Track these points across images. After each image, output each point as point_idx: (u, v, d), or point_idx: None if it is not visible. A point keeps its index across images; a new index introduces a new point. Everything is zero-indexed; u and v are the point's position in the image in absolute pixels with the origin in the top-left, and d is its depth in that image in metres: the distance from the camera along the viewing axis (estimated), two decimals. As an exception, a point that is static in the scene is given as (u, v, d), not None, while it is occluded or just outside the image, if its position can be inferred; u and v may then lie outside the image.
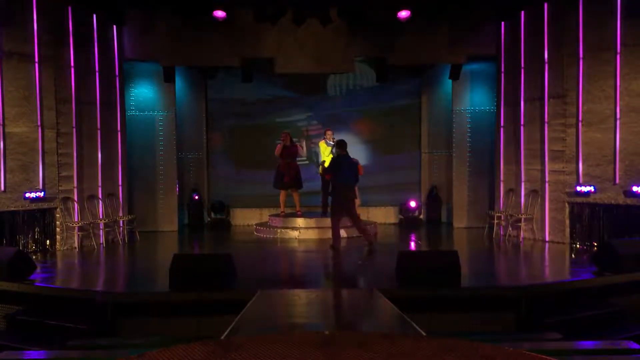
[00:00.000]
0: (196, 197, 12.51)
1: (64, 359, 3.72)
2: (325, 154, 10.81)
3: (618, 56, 8.51)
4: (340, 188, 8.88)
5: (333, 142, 10.81)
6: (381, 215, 12.76)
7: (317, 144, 12.42)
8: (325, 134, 11.02)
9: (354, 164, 9.26)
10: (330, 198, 10.97)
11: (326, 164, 10.78)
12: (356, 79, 12.84)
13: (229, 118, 12.97)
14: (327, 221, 10.64)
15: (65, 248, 9.20)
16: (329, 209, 11.08)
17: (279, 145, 10.95)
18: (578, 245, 9.04)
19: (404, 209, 12.58)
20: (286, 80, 12.53)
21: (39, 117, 8.82)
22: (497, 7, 10.40)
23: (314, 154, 12.65)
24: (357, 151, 12.87)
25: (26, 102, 8.71)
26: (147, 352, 2.11)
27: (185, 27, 10.55)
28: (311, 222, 10.67)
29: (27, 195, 8.64)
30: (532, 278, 7.31)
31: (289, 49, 10.84)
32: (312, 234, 10.42)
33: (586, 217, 9.02)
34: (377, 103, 12.90)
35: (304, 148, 11.06)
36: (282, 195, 11.15)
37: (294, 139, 11.32)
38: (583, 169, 8.96)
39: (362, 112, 12.95)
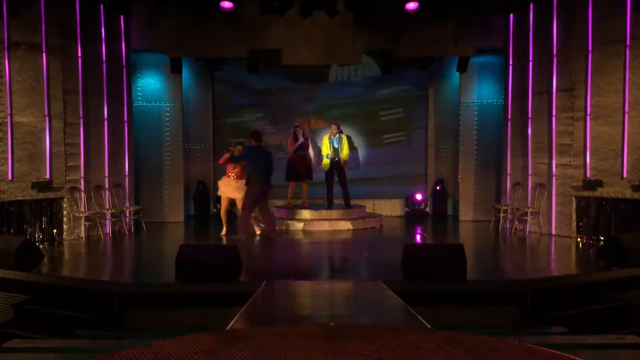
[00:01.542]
0: (199, 188, 12.53)
1: (71, 348, 3.74)
2: (324, 147, 10.87)
3: (627, 49, 8.45)
4: (256, 178, 8.96)
5: (335, 136, 10.82)
6: (387, 208, 12.77)
7: (320, 137, 12.48)
8: (330, 127, 11.04)
9: (268, 154, 9.31)
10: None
11: (325, 161, 10.83)
12: (363, 71, 12.80)
13: (236, 109, 12.97)
14: (334, 213, 10.73)
15: (72, 238, 9.25)
16: (339, 201, 11.13)
17: (290, 139, 10.98)
18: (584, 240, 9.02)
19: (410, 201, 12.57)
20: (292, 72, 12.50)
21: (46, 107, 8.86)
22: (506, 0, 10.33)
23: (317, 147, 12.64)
24: (363, 143, 12.89)
25: (34, 93, 8.74)
26: (154, 342, 2.12)
27: (192, 18, 10.54)
28: (317, 214, 10.69)
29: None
30: (538, 272, 7.30)
31: (296, 41, 10.83)
32: (317, 226, 10.44)
33: (593, 211, 8.99)
34: (384, 95, 12.87)
35: (310, 145, 11.10)
36: (291, 187, 11.19)
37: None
38: (590, 163, 8.92)
39: (369, 104, 12.92)
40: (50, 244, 8.88)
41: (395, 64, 11.75)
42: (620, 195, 8.59)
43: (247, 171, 9.17)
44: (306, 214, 10.68)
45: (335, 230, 10.33)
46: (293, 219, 10.67)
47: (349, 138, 11.61)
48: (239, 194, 9.37)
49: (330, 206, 11.05)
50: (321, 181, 11.75)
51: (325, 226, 10.44)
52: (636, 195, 8.39)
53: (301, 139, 10.86)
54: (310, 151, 11.18)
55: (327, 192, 11.15)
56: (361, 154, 12.93)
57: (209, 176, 12.85)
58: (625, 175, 8.53)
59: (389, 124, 12.94)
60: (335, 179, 10.98)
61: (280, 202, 11.77)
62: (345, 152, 10.86)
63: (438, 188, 12.66)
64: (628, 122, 8.48)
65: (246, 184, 9.14)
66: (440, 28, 10.84)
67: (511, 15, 10.35)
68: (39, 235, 8.94)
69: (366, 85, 12.87)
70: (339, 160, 10.81)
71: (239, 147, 9.61)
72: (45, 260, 7.31)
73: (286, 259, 8.27)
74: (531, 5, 9.85)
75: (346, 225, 10.51)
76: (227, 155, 9.54)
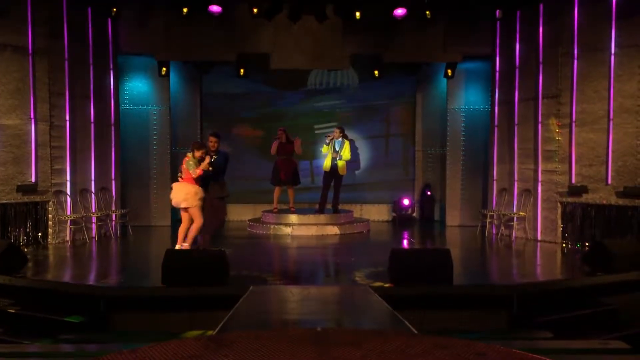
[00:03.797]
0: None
1: (56, 353, 3.71)
2: (324, 147, 10.88)
3: (612, 57, 8.54)
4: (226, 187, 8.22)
5: (338, 139, 10.80)
6: (374, 213, 12.78)
7: (311, 141, 12.49)
8: (334, 130, 11.01)
9: None
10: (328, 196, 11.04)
11: (327, 163, 10.81)
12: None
13: (223, 113, 12.93)
14: (321, 218, 10.73)
15: (57, 241, 9.16)
16: (329, 206, 11.11)
17: (275, 142, 10.95)
18: (570, 245, 9.08)
19: (397, 206, 12.59)
20: (281, 77, 12.47)
21: (32, 109, 8.78)
22: (493, 7, 10.39)
23: (312, 151, 12.63)
24: (352, 148, 12.89)
25: (19, 95, 8.66)
26: (139, 347, 2.11)
27: (181, 22, 10.48)
28: (304, 218, 10.68)
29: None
30: (524, 277, 7.34)
31: (285, 45, 10.83)
32: (305, 231, 10.42)
33: (578, 217, 9.06)
34: (372, 100, 12.89)
35: (300, 146, 11.04)
36: (277, 191, 11.17)
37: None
38: (576, 169, 9.00)
39: (356, 109, 12.93)
40: (35, 247, 8.79)
41: (385, 70, 11.78)
42: (605, 202, 8.67)
43: (221, 180, 8.09)
44: (293, 218, 10.67)
45: (322, 235, 10.33)
46: (280, 224, 10.65)
47: (352, 142, 11.60)
48: None
49: (321, 211, 11.03)
50: (305, 186, 11.75)
51: (312, 231, 10.42)
52: (621, 202, 8.48)
53: (280, 140, 10.81)
54: (298, 149, 11.06)
55: (321, 197, 11.12)
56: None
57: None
58: (610, 182, 8.61)
59: (377, 129, 12.96)
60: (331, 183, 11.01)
61: (267, 207, 11.74)
62: (345, 156, 10.84)
63: (429, 193, 12.69)
64: (613, 129, 8.56)
65: (219, 194, 7.98)
66: (428, 34, 10.89)
67: (498, 22, 10.42)
68: (23, 239, 8.84)
69: (356, 91, 12.88)
70: (337, 165, 10.79)
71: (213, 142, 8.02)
72: (30, 264, 7.24)
73: (273, 264, 8.25)
74: (518, 13, 9.93)
75: (333, 230, 10.50)
76: (205, 160, 7.66)
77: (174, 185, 7.75)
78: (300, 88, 12.85)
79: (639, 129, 8.32)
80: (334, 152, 10.77)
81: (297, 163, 11.28)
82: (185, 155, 7.84)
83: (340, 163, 10.78)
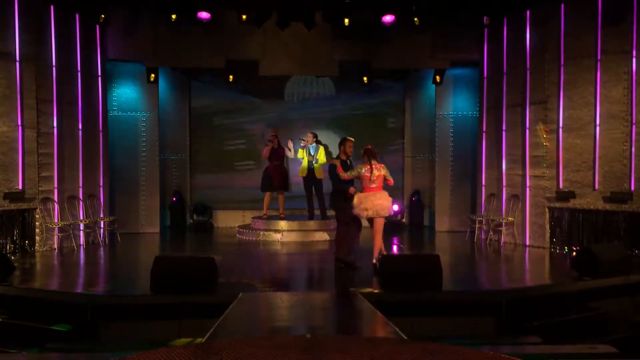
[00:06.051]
0: (174, 199, 12.41)
1: (43, 362, 3.68)
2: (300, 152, 10.80)
3: (598, 63, 8.63)
4: None
5: (311, 144, 10.76)
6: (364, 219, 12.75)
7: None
8: (307, 135, 10.96)
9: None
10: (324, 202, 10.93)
11: (303, 168, 10.72)
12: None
13: (212, 120, 12.92)
14: (310, 224, 10.73)
15: (44, 249, 9.08)
16: (320, 212, 11.06)
17: (266, 147, 10.92)
18: (558, 250, 9.14)
19: (386, 212, 12.59)
20: (270, 84, 12.48)
21: (19, 116, 8.70)
22: (481, 14, 10.47)
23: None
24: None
25: (6, 101, 8.58)
26: (127, 355, 2.10)
27: (170, 28, 10.47)
28: (294, 225, 10.67)
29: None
30: (512, 282, 7.37)
31: (274, 51, 10.85)
32: (294, 237, 10.41)
33: (566, 222, 9.12)
34: (360, 107, 12.94)
35: (292, 150, 10.96)
36: (267, 197, 11.13)
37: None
38: (563, 175, 9.07)
39: (345, 115, 12.96)
40: (22, 255, 8.70)
41: (374, 76, 11.83)
42: (592, 207, 8.73)
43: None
44: (283, 224, 10.65)
45: (312, 241, 10.32)
46: (270, 230, 10.63)
47: (325, 147, 11.59)
48: None
49: (310, 217, 11.01)
50: (298, 194, 11.72)
51: (301, 237, 10.41)
52: (608, 207, 8.54)
53: (272, 145, 10.79)
54: (288, 153, 11.01)
55: (307, 203, 11.11)
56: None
57: (186, 187, 12.76)
58: (597, 187, 8.68)
59: (366, 135, 12.96)
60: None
61: (257, 213, 11.72)
62: (321, 160, 10.79)
63: (414, 199, 12.73)
64: (599, 135, 8.64)
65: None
66: (416, 41, 10.95)
67: (486, 29, 10.49)
68: (10, 247, 8.74)
69: (345, 98, 12.90)
70: (314, 170, 10.73)
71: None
72: (17, 272, 7.17)
73: (263, 270, 8.23)
74: (505, 20, 10.02)
75: (323, 236, 10.50)
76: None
77: (380, 193, 7.77)
78: (285, 97, 12.89)
79: (625, 135, 8.40)
80: (310, 156, 10.71)
81: (286, 169, 11.24)
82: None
83: (316, 166, 10.69)
